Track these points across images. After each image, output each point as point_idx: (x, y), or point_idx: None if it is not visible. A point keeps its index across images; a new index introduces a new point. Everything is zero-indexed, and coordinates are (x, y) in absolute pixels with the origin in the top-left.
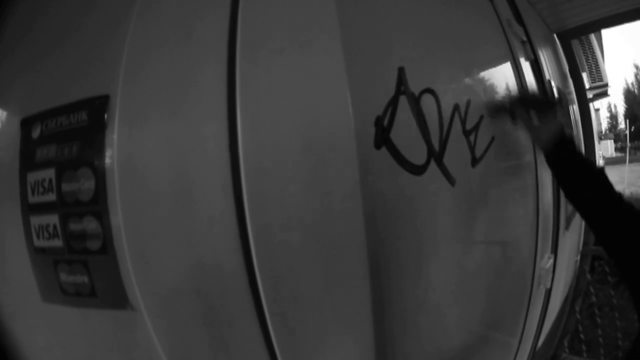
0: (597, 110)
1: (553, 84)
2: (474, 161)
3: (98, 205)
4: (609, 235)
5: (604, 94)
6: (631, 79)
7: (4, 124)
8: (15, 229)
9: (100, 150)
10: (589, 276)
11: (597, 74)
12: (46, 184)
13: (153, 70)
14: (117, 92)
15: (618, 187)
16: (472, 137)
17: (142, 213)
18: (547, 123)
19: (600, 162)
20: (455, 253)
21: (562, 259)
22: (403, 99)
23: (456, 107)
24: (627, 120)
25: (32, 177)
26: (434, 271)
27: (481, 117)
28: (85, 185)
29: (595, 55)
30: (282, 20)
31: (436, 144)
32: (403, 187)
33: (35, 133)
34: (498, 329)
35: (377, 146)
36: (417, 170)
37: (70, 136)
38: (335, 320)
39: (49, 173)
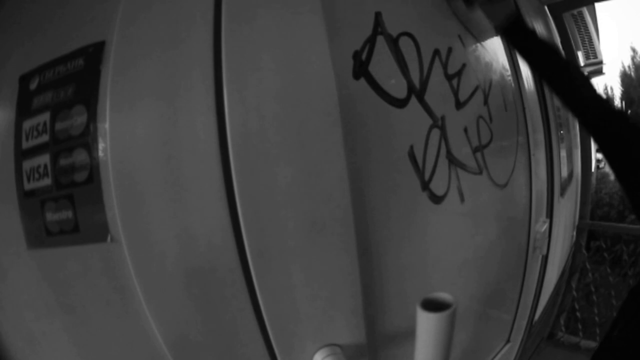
0: None
1: None
2: (458, 104)
3: (88, 136)
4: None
5: (599, 72)
6: (628, 61)
7: (4, 91)
8: (4, 185)
9: (94, 89)
10: (585, 252)
11: (591, 51)
12: (40, 128)
13: (146, 20)
14: (113, 39)
15: None
16: (454, 82)
17: (130, 144)
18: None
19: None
20: (445, 209)
21: (558, 226)
22: (381, 40)
23: (436, 52)
24: (624, 103)
25: (27, 124)
26: (423, 226)
27: (463, 65)
28: (77, 121)
29: (589, 33)
30: None
31: (417, 82)
32: (386, 118)
33: (33, 85)
34: (493, 298)
35: (356, 77)
36: (398, 103)
37: (66, 80)
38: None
39: (44, 117)
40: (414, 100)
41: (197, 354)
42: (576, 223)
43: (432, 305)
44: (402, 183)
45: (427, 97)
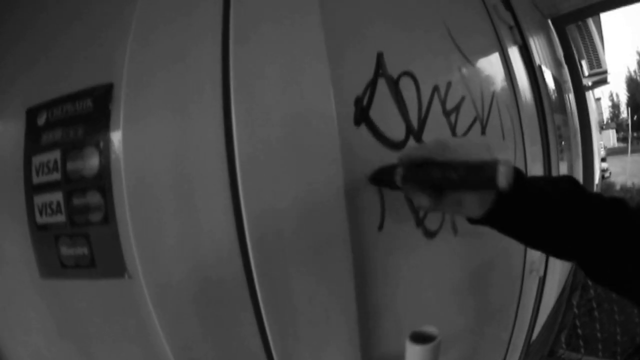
0: (598, 99)
1: (544, 69)
2: None
3: (102, 180)
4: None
5: (604, 81)
6: (634, 66)
7: (8, 115)
8: (15, 212)
9: (105, 132)
10: None
11: (596, 60)
12: (51, 165)
13: (154, 59)
14: (122, 79)
15: (619, 178)
16: (452, 117)
17: (144, 187)
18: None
19: (601, 152)
20: (439, 240)
21: None
22: (382, 81)
23: (435, 89)
24: (629, 109)
25: (37, 159)
26: (418, 257)
27: (462, 98)
28: (90, 163)
29: (593, 42)
30: (268, 15)
31: (415, 122)
32: (383, 160)
33: (41, 120)
34: (487, 321)
35: (357, 123)
36: (396, 146)
37: (76, 120)
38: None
39: (54, 154)
40: (411, 140)
41: None
42: None
43: (420, 338)
44: (398, 220)
45: (425, 136)
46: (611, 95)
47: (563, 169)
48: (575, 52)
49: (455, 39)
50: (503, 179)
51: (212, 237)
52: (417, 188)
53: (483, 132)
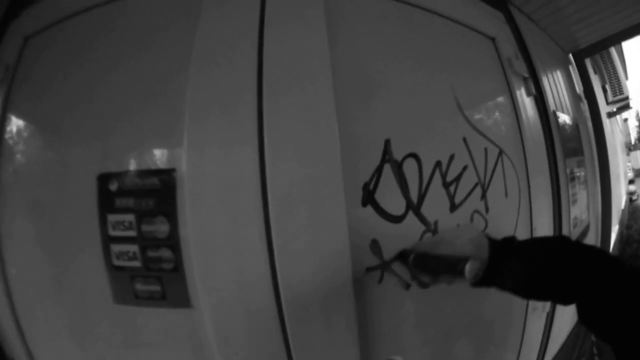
0: (625, 120)
1: (559, 115)
2: (453, 207)
3: (172, 240)
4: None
5: (627, 107)
6: None
7: (80, 176)
8: (91, 251)
9: (172, 205)
10: None
11: (618, 87)
12: (126, 224)
13: (210, 138)
14: (182, 163)
15: None
16: (452, 188)
17: (205, 247)
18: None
19: (628, 174)
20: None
21: None
22: (387, 167)
23: (438, 164)
24: None
25: (113, 218)
26: (414, 303)
27: (464, 168)
28: (161, 228)
29: (615, 69)
30: (293, 115)
31: (415, 198)
32: (387, 233)
33: (113, 187)
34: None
35: (364, 205)
36: (396, 220)
37: (146, 194)
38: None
39: (129, 217)
40: (410, 214)
41: None
42: None
43: None
44: (395, 275)
45: (423, 209)
46: (637, 114)
47: (582, 205)
48: (599, 78)
49: (462, 105)
50: (468, 274)
51: (254, 283)
52: (420, 270)
53: (483, 195)
